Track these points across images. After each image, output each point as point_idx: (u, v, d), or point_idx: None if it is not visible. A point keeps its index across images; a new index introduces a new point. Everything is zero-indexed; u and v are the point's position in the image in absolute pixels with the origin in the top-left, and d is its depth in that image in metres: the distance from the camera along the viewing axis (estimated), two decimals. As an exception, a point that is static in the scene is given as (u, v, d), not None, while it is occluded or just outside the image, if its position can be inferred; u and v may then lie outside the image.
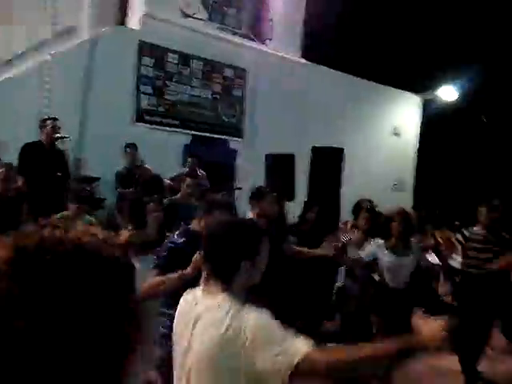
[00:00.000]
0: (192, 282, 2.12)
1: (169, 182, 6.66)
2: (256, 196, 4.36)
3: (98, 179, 6.76)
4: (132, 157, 6.64)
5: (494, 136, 12.28)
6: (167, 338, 2.07)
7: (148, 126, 8.21)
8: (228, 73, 9.19)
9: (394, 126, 11.32)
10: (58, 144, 5.60)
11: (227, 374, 1.57)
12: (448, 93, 11.10)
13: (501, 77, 9.84)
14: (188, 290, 1.83)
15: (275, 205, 4.47)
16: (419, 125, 11.89)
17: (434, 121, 11.79)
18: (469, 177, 12.27)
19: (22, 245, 0.64)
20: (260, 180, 8.54)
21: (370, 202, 5.48)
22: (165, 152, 7.87)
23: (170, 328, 1.84)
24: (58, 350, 0.58)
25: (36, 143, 5.62)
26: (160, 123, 8.38)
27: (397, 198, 10.81)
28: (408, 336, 1.68)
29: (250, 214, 4.29)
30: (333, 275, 5.58)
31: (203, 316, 1.64)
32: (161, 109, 8.40)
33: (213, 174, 7.61)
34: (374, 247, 4.35)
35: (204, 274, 1.74)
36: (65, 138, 5.54)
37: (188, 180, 5.41)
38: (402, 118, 11.55)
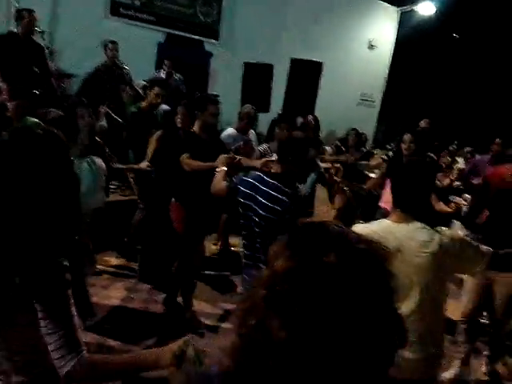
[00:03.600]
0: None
1: (144, 83, 6.47)
2: (201, 106, 3.78)
3: (73, 76, 6.53)
4: (113, 55, 6.36)
5: (466, 53, 12.45)
6: None
7: (123, 20, 7.84)
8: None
9: (369, 39, 11.15)
10: (35, 37, 5.31)
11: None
12: (426, 7, 10.89)
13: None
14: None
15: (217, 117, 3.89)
16: (394, 38, 11.74)
17: (409, 35, 11.67)
18: (438, 94, 12.57)
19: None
20: (233, 87, 8.50)
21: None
22: (138, 49, 7.60)
23: None
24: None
25: (11, 34, 5.34)
26: (135, 18, 8.01)
27: (365, 113, 11.08)
28: None
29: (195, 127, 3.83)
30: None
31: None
32: (136, 2, 7.98)
33: (186, 76, 7.51)
34: None
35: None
36: (43, 32, 5.24)
37: (157, 89, 4.84)
38: (378, 30, 11.33)
